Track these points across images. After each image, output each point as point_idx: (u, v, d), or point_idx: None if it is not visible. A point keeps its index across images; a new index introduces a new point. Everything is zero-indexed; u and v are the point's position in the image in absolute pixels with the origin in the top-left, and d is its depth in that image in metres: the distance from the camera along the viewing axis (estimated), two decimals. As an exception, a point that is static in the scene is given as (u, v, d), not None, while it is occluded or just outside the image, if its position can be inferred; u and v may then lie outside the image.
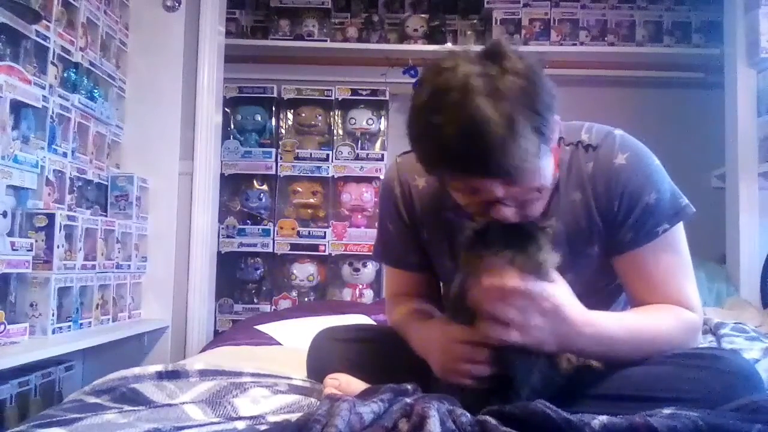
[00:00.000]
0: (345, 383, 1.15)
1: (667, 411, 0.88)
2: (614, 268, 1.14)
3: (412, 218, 1.22)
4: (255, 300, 3.14)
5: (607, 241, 1.12)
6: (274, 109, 3.21)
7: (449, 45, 3.20)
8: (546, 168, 0.99)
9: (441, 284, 1.32)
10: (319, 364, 1.24)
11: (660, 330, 1.06)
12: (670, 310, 1.09)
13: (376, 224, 1.30)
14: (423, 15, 3.26)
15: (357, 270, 3.12)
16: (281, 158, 3.15)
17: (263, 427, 0.87)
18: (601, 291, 1.20)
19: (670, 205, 1.11)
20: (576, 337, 0.98)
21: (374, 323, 2.01)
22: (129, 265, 2.29)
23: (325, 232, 3.10)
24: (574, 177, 1.11)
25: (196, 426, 0.88)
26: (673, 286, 1.10)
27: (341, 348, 1.24)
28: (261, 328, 2.10)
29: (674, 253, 1.12)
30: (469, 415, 0.83)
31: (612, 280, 1.19)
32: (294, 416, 0.91)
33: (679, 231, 1.13)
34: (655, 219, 1.09)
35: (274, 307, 3.08)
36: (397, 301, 1.29)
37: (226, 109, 3.09)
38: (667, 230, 1.10)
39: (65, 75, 2.02)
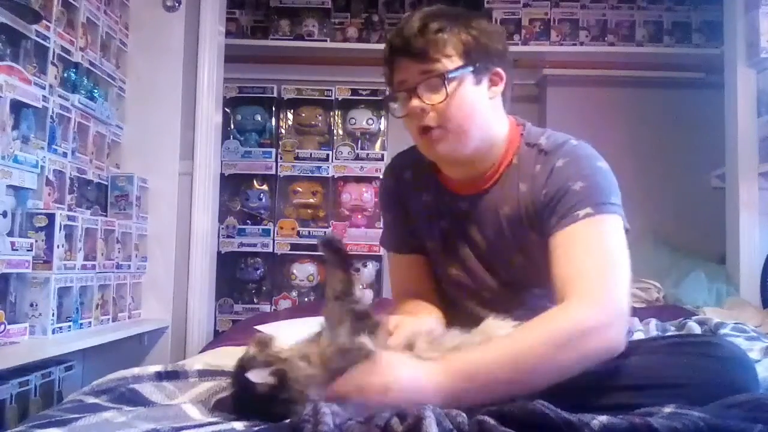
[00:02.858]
0: None
1: (667, 410, 0.88)
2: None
3: (402, 204, 1.37)
4: (255, 300, 3.15)
5: (541, 228, 1.16)
6: (274, 109, 3.21)
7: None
8: (465, 94, 1.16)
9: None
10: None
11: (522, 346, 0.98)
12: (545, 320, 1.01)
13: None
14: (423, 15, 3.25)
15: (357, 270, 3.12)
16: (281, 158, 3.15)
17: (260, 428, 0.87)
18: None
19: (597, 195, 1.11)
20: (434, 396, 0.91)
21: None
22: (129, 265, 2.29)
23: (325, 232, 3.10)
24: (524, 172, 1.21)
25: (195, 426, 0.88)
26: (585, 272, 1.05)
27: None
28: (261, 328, 2.10)
29: (596, 241, 1.08)
30: (464, 415, 0.83)
31: None
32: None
33: (608, 225, 1.10)
34: (576, 202, 1.11)
35: (274, 307, 3.08)
36: (402, 300, 1.36)
37: (226, 109, 3.09)
38: (591, 216, 1.09)
39: (65, 75, 2.02)
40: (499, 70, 1.21)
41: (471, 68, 1.17)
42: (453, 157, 1.22)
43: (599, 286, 1.03)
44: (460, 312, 1.32)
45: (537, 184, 1.18)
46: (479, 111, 1.20)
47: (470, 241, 1.28)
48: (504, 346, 0.99)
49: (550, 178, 1.16)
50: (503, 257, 1.25)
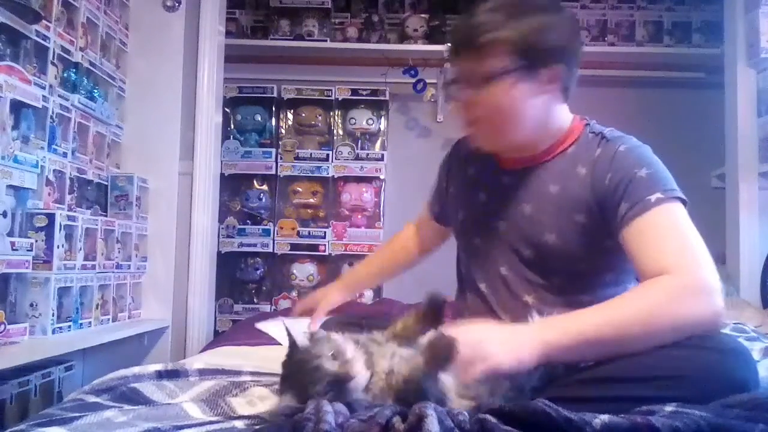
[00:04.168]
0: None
1: (668, 408, 0.88)
2: (623, 248, 1.16)
3: (450, 175, 1.50)
4: (255, 300, 3.15)
5: (609, 220, 1.18)
6: (274, 109, 3.21)
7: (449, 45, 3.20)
8: (507, 92, 1.18)
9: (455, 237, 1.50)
10: None
11: (630, 308, 1.05)
12: (639, 287, 1.11)
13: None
14: (423, 15, 3.25)
15: (357, 270, 3.11)
16: (281, 158, 3.15)
17: (261, 426, 0.87)
18: (586, 265, 1.26)
19: (664, 182, 1.16)
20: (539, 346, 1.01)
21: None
22: (129, 265, 2.28)
23: (325, 232, 3.10)
24: (584, 155, 1.25)
25: (196, 425, 0.88)
26: (671, 252, 1.09)
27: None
28: (262, 326, 2.10)
29: (673, 225, 1.13)
30: (466, 413, 0.83)
31: (596, 256, 1.24)
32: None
33: (679, 210, 1.15)
34: (646, 188, 1.14)
35: (274, 307, 3.08)
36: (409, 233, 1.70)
37: (226, 109, 3.09)
38: (662, 201, 1.13)
39: (65, 75, 2.02)
40: (555, 65, 1.20)
41: (516, 67, 1.18)
42: (495, 148, 1.30)
43: (687, 263, 1.08)
44: (470, 286, 1.38)
45: (599, 168, 1.21)
46: (525, 107, 1.22)
47: (506, 215, 1.31)
48: (602, 308, 1.06)
49: (613, 163, 1.19)
50: (537, 235, 1.26)
